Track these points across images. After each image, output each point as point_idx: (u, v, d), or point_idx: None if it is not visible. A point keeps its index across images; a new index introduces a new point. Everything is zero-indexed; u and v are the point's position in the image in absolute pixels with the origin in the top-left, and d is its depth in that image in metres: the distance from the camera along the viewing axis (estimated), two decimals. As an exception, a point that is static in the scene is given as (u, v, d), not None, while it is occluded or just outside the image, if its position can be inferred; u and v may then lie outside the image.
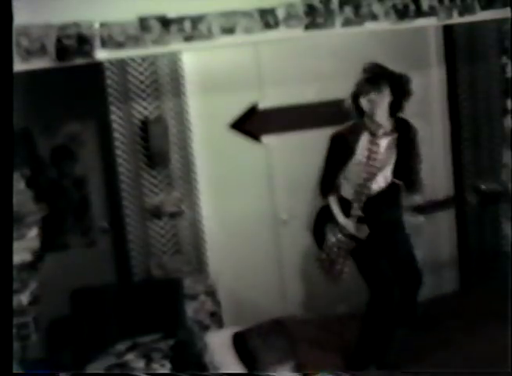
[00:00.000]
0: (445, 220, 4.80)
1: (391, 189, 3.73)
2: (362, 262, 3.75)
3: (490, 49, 4.46)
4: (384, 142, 3.67)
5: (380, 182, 3.70)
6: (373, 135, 3.66)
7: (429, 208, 3.99)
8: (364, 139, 3.68)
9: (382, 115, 3.63)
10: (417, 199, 3.76)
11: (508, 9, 3.72)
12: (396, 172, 3.73)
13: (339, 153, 3.74)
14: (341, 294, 4.45)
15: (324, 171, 3.84)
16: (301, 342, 4.01)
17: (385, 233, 3.74)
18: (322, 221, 3.87)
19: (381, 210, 3.70)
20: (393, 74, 3.63)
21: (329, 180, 3.82)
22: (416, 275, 3.92)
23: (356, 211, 3.68)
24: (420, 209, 4.04)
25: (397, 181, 3.72)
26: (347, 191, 3.76)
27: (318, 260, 3.87)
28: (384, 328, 3.68)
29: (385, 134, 3.66)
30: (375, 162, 3.65)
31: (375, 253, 3.72)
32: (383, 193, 3.71)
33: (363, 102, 3.62)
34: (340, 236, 3.74)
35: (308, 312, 4.62)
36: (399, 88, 3.62)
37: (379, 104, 3.59)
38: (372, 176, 3.66)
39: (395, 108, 3.65)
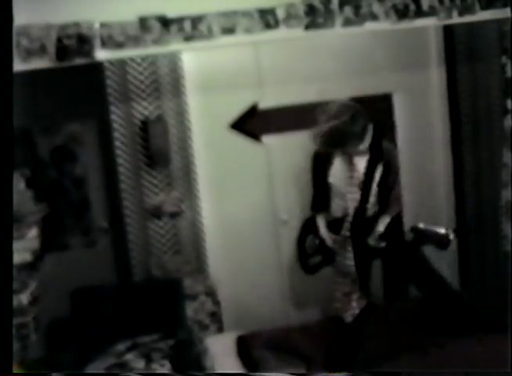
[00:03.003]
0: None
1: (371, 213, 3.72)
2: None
3: (490, 49, 4.46)
4: (360, 163, 3.66)
5: (360, 204, 3.68)
6: (346, 154, 3.66)
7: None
8: (338, 159, 3.70)
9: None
10: (385, 221, 3.73)
11: (508, 9, 3.72)
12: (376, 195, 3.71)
13: (317, 172, 3.81)
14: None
15: (312, 188, 3.89)
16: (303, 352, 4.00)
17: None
18: (305, 233, 3.94)
19: (361, 233, 3.70)
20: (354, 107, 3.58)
21: (318, 197, 3.86)
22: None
23: (344, 230, 3.71)
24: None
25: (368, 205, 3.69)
26: (336, 211, 3.79)
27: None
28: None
29: (357, 154, 3.64)
30: (351, 183, 3.66)
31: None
32: (362, 215, 3.69)
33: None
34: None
35: (306, 312, 4.62)
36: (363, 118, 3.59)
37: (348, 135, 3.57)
38: (351, 197, 3.66)
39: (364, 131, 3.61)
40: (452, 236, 3.73)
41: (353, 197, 3.67)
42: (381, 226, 3.72)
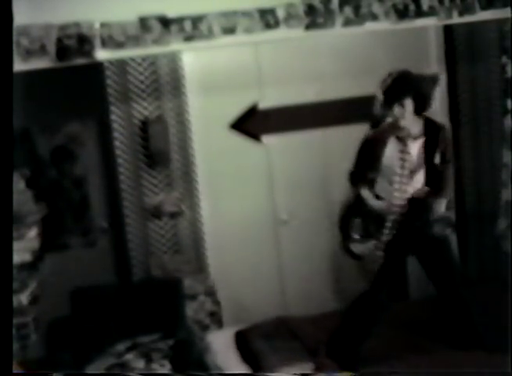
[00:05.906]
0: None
1: (426, 196, 3.61)
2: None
3: (490, 49, 4.46)
4: (414, 147, 3.57)
5: (416, 187, 3.59)
6: (401, 140, 3.57)
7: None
8: (392, 145, 3.59)
9: (408, 119, 3.53)
10: (442, 204, 3.61)
11: (508, 9, 3.72)
12: (428, 177, 3.61)
13: (366, 159, 3.67)
14: (341, 293, 4.46)
15: (353, 168, 3.74)
16: (304, 341, 3.99)
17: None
18: (348, 215, 3.74)
19: (417, 217, 3.59)
20: (419, 81, 3.58)
21: (360, 171, 3.71)
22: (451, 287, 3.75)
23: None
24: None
25: (427, 188, 3.60)
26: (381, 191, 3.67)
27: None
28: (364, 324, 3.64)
29: (414, 138, 3.56)
30: (406, 169, 3.57)
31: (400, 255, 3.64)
32: (418, 199, 3.59)
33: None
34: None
35: (307, 312, 4.62)
36: (423, 92, 3.56)
37: (404, 112, 3.52)
38: (406, 183, 3.57)
39: (420, 109, 3.55)
40: None
41: (406, 181, 3.56)
42: (440, 209, 3.61)
